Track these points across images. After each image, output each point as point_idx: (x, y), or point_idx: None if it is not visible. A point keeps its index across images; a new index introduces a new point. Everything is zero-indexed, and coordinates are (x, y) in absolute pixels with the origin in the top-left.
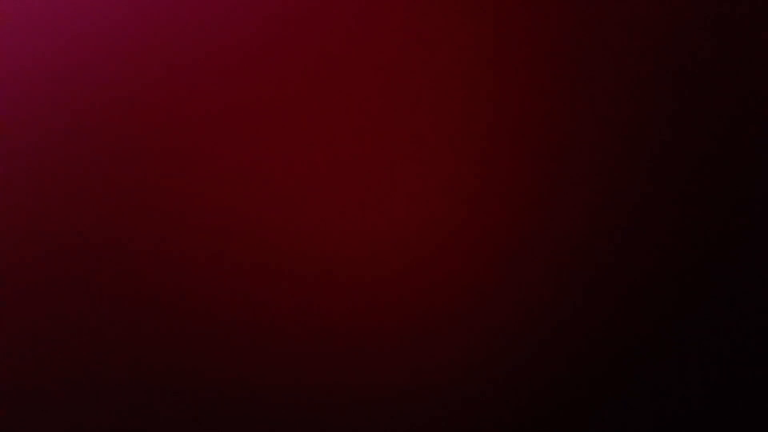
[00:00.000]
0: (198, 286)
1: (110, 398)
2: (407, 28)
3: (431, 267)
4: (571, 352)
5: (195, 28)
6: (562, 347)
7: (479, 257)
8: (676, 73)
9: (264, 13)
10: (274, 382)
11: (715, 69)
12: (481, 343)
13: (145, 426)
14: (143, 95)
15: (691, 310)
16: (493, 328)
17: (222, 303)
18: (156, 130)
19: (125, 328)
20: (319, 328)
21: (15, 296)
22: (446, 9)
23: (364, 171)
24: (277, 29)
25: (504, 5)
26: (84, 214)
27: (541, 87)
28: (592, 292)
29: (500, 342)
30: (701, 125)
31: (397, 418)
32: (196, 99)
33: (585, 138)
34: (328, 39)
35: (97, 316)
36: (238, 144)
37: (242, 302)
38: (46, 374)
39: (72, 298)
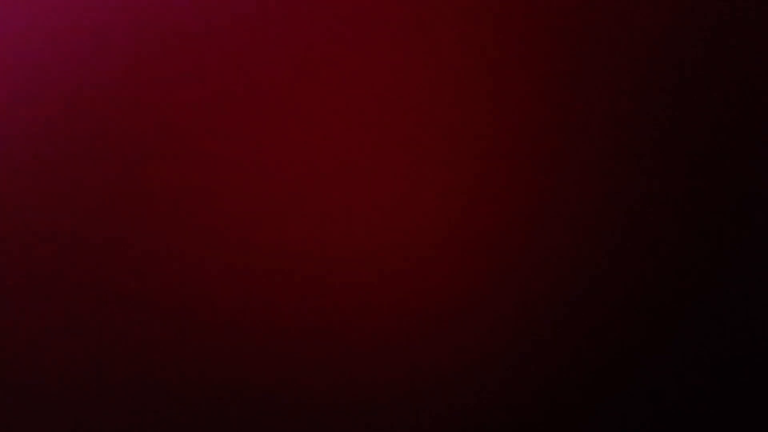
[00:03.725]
0: (198, 286)
1: (111, 399)
2: (407, 27)
3: (430, 268)
4: (572, 353)
5: (195, 27)
6: (562, 347)
7: (479, 257)
8: (677, 74)
9: (265, 12)
10: (273, 383)
11: (716, 69)
12: (481, 343)
13: (145, 427)
14: (144, 95)
15: (691, 311)
16: (493, 329)
17: (221, 303)
18: (156, 130)
19: (125, 328)
20: (318, 329)
21: (15, 297)
22: (446, 8)
23: (362, 171)
24: (279, 28)
25: (504, 4)
26: (84, 214)
27: (541, 88)
28: (592, 293)
29: (500, 342)
30: (703, 126)
31: (397, 419)
32: (198, 98)
33: (585, 138)
34: (328, 38)
35: (97, 316)
36: (239, 143)
37: (241, 302)
38: (46, 375)
39: (72, 298)
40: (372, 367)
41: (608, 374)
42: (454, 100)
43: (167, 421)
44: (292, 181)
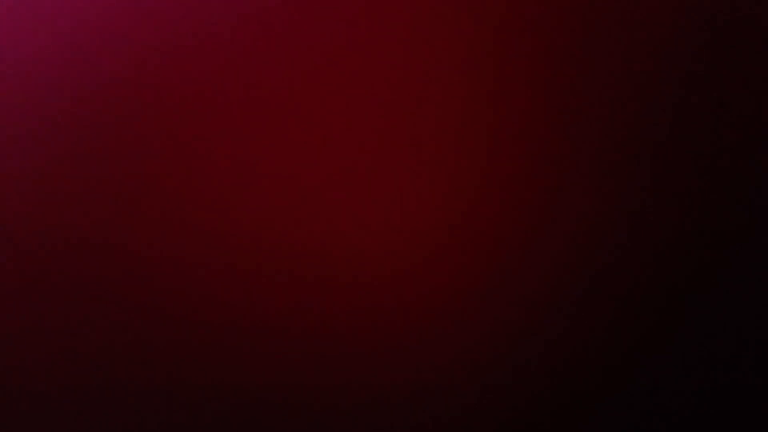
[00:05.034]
0: (199, 287)
1: (111, 399)
2: (409, 25)
3: (432, 268)
4: (574, 354)
5: (195, 24)
6: (565, 348)
7: (481, 258)
8: (679, 73)
9: (267, 11)
10: (274, 383)
11: (717, 69)
12: (482, 344)
13: (145, 427)
14: (144, 95)
15: (693, 313)
16: (495, 330)
17: (221, 303)
18: (157, 130)
19: (125, 328)
20: (318, 329)
21: (15, 297)
22: (448, 7)
23: (362, 171)
24: (280, 26)
25: (506, 4)
26: (85, 214)
27: (542, 88)
28: (594, 294)
29: (502, 343)
30: (704, 126)
31: (398, 419)
32: (197, 97)
33: (588, 138)
34: (329, 38)
35: (97, 316)
36: (239, 143)
37: (241, 302)
38: (46, 375)
39: (72, 298)
40: (373, 368)
41: (611, 375)
42: (455, 101)
43: (168, 422)
44: (292, 182)
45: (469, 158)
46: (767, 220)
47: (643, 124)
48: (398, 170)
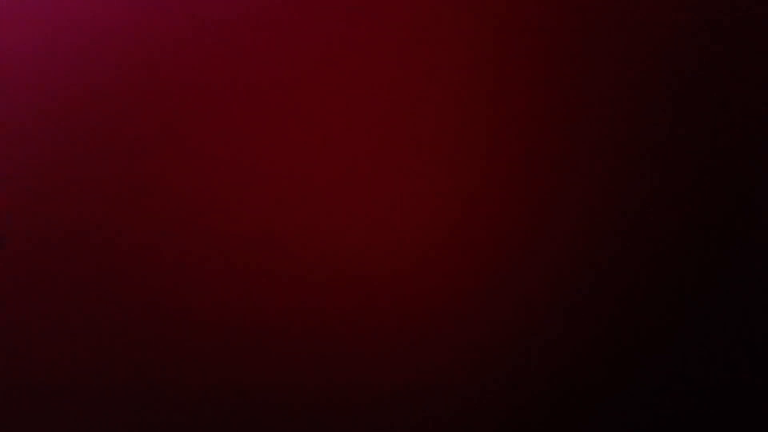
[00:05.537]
0: (198, 287)
1: (111, 399)
2: (409, 25)
3: (431, 268)
4: (572, 353)
5: (196, 24)
6: (562, 348)
7: (479, 258)
8: (677, 73)
9: (267, 11)
10: (273, 383)
11: (717, 69)
12: (481, 343)
13: (145, 427)
14: (145, 94)
15: (693, 313)
16: (493, 329)
17: (221, 303)
18: (157, 129)
19: (125, 328)
20: (318, 329)
21: (15, 297)
22: (448, 7)
23: (362, 171)
24: (280, 26)
25: (505, 3)
26: (84, 213)
27: (542, 88)
28: (592, 294)
29: (500, 343)
30: (705, 126)
31: (397, 419)
32: (197, 97)
33: (586, 138)
34: (329, 39)
35: (97, 315)
36: (239, 142)
37: (242, 302)
38: (46, 375)
39: (67, 299)
40: (372, 367)
41: (610, 375)
42: (455, 102)
43: (168, 422)
44: (292, 182)
45: (469, 158)
46: (767, 220)
47: (643, 124)
48: (398, 170)
